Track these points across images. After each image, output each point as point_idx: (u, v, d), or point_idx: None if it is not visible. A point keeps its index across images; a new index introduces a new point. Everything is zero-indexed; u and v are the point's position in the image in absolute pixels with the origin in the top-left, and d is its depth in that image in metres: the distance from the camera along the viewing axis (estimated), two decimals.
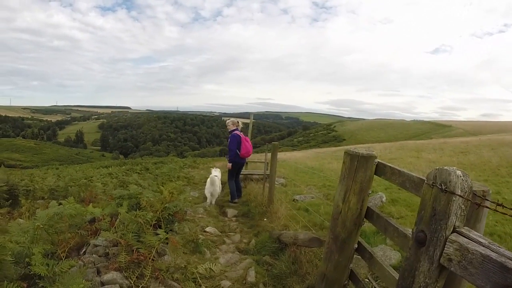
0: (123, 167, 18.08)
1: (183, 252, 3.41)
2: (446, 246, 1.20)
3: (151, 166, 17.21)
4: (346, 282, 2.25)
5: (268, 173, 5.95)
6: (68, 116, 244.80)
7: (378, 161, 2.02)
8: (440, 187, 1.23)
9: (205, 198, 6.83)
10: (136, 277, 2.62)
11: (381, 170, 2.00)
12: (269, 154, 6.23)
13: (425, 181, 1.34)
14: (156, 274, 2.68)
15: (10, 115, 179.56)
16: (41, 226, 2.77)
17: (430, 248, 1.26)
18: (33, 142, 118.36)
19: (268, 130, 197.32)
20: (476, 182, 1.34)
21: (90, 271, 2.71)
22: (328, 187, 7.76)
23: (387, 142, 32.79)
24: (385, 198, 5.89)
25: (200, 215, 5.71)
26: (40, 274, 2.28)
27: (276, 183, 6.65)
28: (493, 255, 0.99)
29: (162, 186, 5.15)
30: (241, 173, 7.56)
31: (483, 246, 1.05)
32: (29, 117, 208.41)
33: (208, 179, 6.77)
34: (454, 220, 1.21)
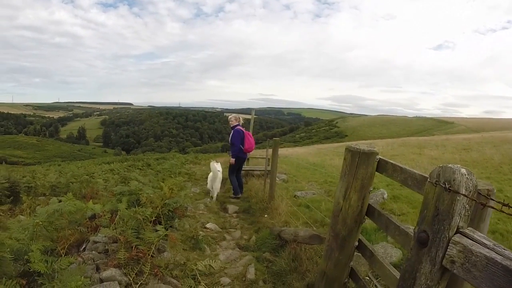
0: (125, 163, 18.10)
1: (183, 249, 3.40)
2: (449, 247, 1.15)
3: (153, 162, 17.21)
4: (346, 280, 2.23)
5: (269, 169, 5.92)
6: (70, 112, 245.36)
7: (379, 158, 1.99)
8: (443, 186, 1.18)
9: (206, 194, 6.84)
10: (135, 274, 2.61)
11: (382, 167, 1.96)
12: (270, 150, 6.21)
13: (428, 180, 1.29)
14: (155, 271, 2.66)
15: (12, 112, 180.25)
16: (40, 223, 2.76)
17: (432, 249, 1.21)
18: (35, 138, 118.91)
19: (270, 126, 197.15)
20: (480, 181, 1.29)
21: (89, 268, 2.71)
22: (330, 183, 7.73)
23: (389, 139, 32.67)
24: (386, 194, 5.86)
25: (201, 211, 5.70)
26: (39, 271, 2.27)
27: (277, 179, 6.63)
28: (498, 257, 0.95)
29: (163, 182, 5.14)
30: (243, 169, 7.57)
31: (488, 248, 1.01)
32: (31, 114, 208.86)
33: (211, 173, 6.81)
34: (458, 221, 1.16)
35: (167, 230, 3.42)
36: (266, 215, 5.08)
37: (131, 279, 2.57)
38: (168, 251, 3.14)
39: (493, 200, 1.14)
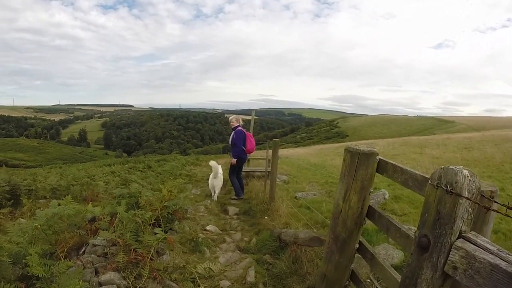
0: (126, 165, 18.10)
1: (183, 251, 3.37)
2: (451, 253, 1.10)
3: (154, 164, 17.20)
4: (347, 283, 2.20)
5: (270, 170, 5.90)
6: (71, 115, 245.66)
7: (379, 158, 1.96)
8: (445, 188, 1.13)
9: (207, 196, 6.84)
10: (134, 278, 2.59)
11: (383, 167, 1.94)
12: (270, 151, 6.19)
13: (429, 182, 1.24)
14: (154, 274, 2.64)
15: (13, 115, 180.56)
16: (39, 226, 2.74)
17: (434, 255, 1.17)
18: (36, 141, 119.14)
19: (271, 127, 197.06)
20: (483, 182, 1.24)
21: (88, 271, 2.69)
22: (331, 183, 7.70)
23: (390, 138, 32.60)
24: (388, 195, 5.82)
25: (201, 213, 5.68)
26: (38, 275, 2.25)
27: (278, 180, 6.60)
28: (503, 264, 0.91)
29: (163, 184, 5.12)
30: (243, 170, 7.59)
31: (492, 253, 0.97)
32: (32, 116, 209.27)
33: (211, 174, 6.85)
34: (460, 225, 1.12)
35: (166, 232, 3.39)
36: (266, 217, 5.05)
37: (130, 283, 2.55)
38: (168, 254, 3.12)
39: (497, 202, 1.10)
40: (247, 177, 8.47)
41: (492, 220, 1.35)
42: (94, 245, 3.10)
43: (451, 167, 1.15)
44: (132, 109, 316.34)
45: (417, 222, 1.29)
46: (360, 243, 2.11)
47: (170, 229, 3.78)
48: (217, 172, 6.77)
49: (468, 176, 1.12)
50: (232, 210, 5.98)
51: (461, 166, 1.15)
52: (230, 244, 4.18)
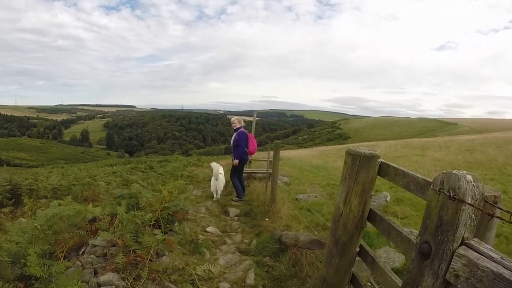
0: (128, 165, 18.10)
1: (182, 253, 3.36)
2: (453, 260, 1.07)
3: (155, 164, 17.20)
4: (347, 287, 2.18)
5: (271, 171, 5.88)
6: (73, 115, 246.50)
7: (381, 161, 1.94)
8: (448, 193, 1.10)
9: (208, 197, 6.88)
10: (133, 279, 2.58)
11: (384, 170, 1.91)
12: (272, 152, 6.18)
13: (431, 187, 1.21)
14: (153, 275, 2.63)
15: (16, 115, 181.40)
16: (39, 226, 2.74)
17: (435, 262, 1.14)
18: (38, 141, 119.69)
19: (273, 128, 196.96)
20: (486, 186, 1.20)
21: (87, 272, 2.68)
22: (332, 185, 7.66)
23: (392, 140, 32.50)
24: (389, 197, 5.79)
25: (201, 215, 5.66)
26: (36, 275, 2.25)
27: (279, 181, 6.58)
28: (506, 273, 0.88)
29: (164, 185, 5.10)
30: (244, 171, 7.61)
31: (495, 262, 0.94)
32: (35, 116, 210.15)
33: (213, 176, 6.99)
34: (463, 231, 1.08)
35: (166, 234, 3.38)
36: (267, 219, 5.03)
37: (129, 284, 2.54)
38: (167, 256, 3.11)
39: (501, 209, 1.07)
40: (248, 178, 8.45)
41: (495, 227, 1.32)
42: (94, 246, 3.09)
43: (454, 171, 1.12)
44: (134, 109, 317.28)
45: (419, 225, 1.26)
46: (361, 246, 2.09)
47: (170, 230, 3.77)
48: (217, 174, 6.88)
49: (471, 182, 1.08)
50: (233, 211, 5.97)
51: (464, 171, 1.11)
52: (230, 246, 4.17)
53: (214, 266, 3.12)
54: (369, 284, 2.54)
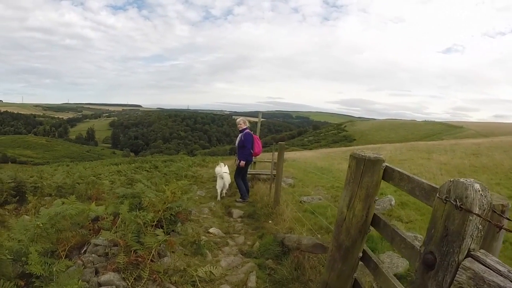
0: (133, 165, 18.21)
1: (184, 254, 3.34)
2: (458, 272, 1.02)
3: (160, 164, 17.26)
4: None
5: (275, 173, 5.85)
6: (79, 113, 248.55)
7: (386, 165, 1.90)
8: (454, 203, 1.05)
9: (212, 198, 6.94)
10: (133, 279, 2.57)
11: (389, 175, 1.87)
12: (276, 154, 6.15)
13: (437, 195, 1.16)
14: (154, 276, 2.61)
15: (22, 113, 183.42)
16: (41, 225, 2.74)
17: (440, 274, 1.09)
18: (44, 139, 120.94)
19: (279, 129, 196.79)
20: (494, 194, 1.16)
21: (88, 271, 2.68)
22: (337, 188, 7.60)
23: (397, 143, 32.25)
24: (394, 201, 5.72)
25: (205, 215, 5.65)
26: (37, 273, 2.25)
27: (283, 183, 6.55)
28: None
29: (167, 185, 5.10)
30: (249, 172, 7.61)
31: (502, 276, 0.89)
32: (41, 114, 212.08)
33: (218, 176, 7.15)
34: (469, 243, 1.03)
35: (168, 234, 3.37)
36: (270, 221, 5.00)
37: (130, 284, 2.53)
38: (169, 256, 3.10)
39: (508, 219, 1.03)
40: (252, 179, 8.44)
41: (502, 237, 1.28)
42: (96, 245, 3.09)
43: (461, 180, 1.07)
44: (140, 109, 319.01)
45: (424, 230, 1.22)
46: (364, 251, 2.06)
47: (173, 230, 3.76)
48: (222, 176, 7.03)
49: (479, 191, 1.04)
50: (236, 212, 5.94)
51: (472, 179, 1.06)
52: (233, 248, 4.14)
53: (216, 268, 3.10)
54: None
